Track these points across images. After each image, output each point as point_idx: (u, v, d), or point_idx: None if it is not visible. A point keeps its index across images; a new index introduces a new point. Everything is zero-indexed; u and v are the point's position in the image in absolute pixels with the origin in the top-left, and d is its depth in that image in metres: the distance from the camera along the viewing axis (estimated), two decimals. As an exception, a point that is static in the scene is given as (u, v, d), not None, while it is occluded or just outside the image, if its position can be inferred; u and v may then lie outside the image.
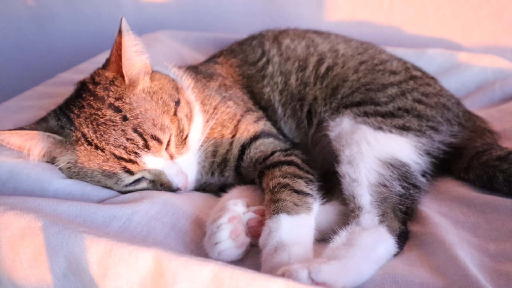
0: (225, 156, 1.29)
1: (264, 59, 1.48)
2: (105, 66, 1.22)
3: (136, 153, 1.11)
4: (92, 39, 2.42)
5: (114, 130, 1.11)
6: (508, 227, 1.06)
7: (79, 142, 1.13)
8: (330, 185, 1.23)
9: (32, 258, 0.92)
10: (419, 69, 1.46)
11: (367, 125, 1.20)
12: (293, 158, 1.22)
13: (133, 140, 1.11)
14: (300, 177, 1.14)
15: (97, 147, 1.12)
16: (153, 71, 1.25)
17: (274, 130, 1.36)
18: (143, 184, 1.18)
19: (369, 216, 1.06)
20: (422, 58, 1.84)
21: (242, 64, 1.50)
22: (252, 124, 1.31)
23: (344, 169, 1.14)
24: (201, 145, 1.26)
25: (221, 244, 1.00)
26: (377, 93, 1.29)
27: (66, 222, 0.95)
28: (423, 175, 1.20)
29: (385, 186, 1.11)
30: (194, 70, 1.44)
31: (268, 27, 1.65)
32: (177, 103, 1.21)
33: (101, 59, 1.47)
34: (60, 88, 1.65)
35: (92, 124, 1.13)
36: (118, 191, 1.19)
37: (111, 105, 1.13)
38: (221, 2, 2.31)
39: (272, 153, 1.24)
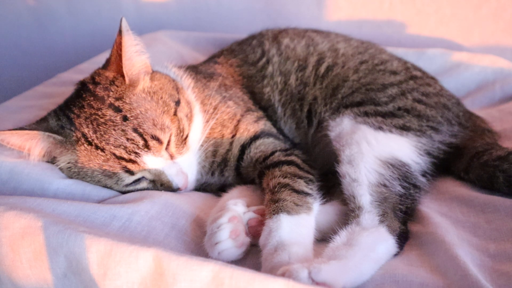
0: (225, 156, 1.29)
1: (264, 59, 1.48)
2: (105, 66, 1.22)
3: (136, 153, 1.11)
4: (92, 39, 2.43)
5: (114, 130, 1.11)
6: (508, 227, 1.06)
7: (79, 142, 1.14)
8: (330, 185, 1.23)
9: (32, 258, 0.92)
10: (419, 69, 1.46)
11: (367, 125, 1.20)
12: (293, 158, 1.22)
13: (133, 140, 1.11)
14: (300, 177, 1.14)
15: (97, 147, 1.12)
16: (153, 71, 1.25)
17: (274, 130, 1.36)
18: (143, 184, 1.19)
19: (369, 216, 1.06)
20: (422, 58, 1.83)
21: (242, 64, 1.50)
22: (252, 124, 1.31)
23: (344, 169, 1.14)
24: (201, 145, 1.26)
25: (221, 244, 1.00)
26: (377, 93, 1.29)
27: (66, 222, 0.95)
28: (423, 175, 1.20)
29: (385, 186, 1.11)
30: (194, 70, 1.44)
31: (268, 27, 1.64)
32: (177, 103, 1.21)
33: (101, 59, 1.47)
34: (60, 88, 1.65)
35: (92, 124, 1.13)
36: (118, 191, 1.19)
37: (111, 105, 1.13)
38: (221, 1, 2.31)
39: (272, 153, 1.24)
